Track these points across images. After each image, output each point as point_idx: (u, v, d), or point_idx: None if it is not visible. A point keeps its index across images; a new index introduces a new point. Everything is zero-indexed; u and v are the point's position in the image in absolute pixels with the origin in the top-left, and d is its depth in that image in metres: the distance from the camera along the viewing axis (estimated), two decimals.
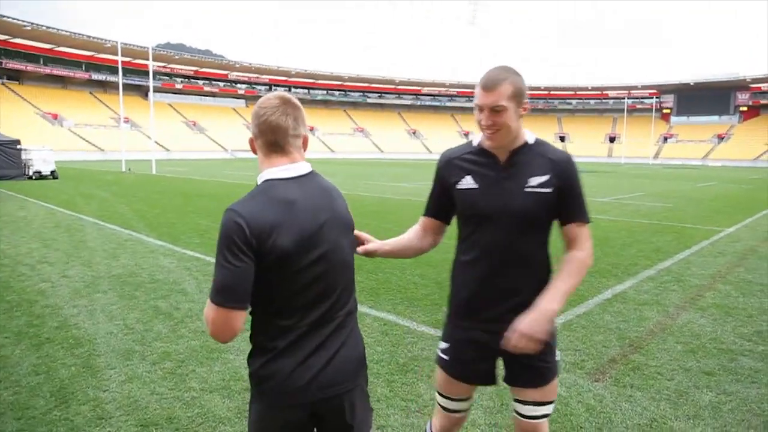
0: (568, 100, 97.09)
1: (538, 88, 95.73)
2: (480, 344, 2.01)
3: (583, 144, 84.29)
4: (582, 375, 3.86)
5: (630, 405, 3.42)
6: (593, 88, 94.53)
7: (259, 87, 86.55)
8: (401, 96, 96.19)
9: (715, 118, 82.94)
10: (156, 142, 48.71)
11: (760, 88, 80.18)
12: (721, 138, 78.47)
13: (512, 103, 1.85)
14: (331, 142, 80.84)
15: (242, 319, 1.50)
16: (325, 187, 1.67)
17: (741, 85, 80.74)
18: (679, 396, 3.59)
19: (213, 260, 6.73)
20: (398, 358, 4.15)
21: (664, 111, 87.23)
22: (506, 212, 1.91)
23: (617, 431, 3.13)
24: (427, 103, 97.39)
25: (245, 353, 4.11)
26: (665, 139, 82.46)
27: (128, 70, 67.35)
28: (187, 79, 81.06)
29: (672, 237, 9.97)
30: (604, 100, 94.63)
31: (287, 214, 1.52)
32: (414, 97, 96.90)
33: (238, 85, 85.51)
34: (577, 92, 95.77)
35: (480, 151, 1.99)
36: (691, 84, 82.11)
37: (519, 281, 1.96)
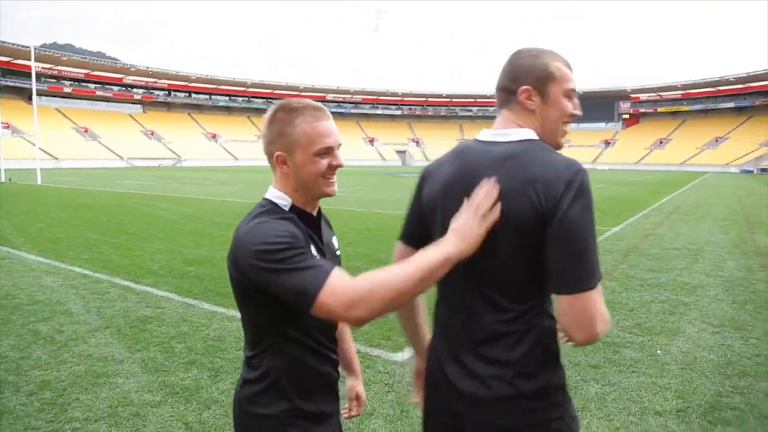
0: (468, 108, 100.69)
1: (440, 95, 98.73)
2: None
3: None
4: None
5: None
6: (492, 96, 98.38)
7: (157, 92, 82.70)
8: None
9: (602, 124, 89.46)
10: (41, 150, 45.20)
11: (638, 98, 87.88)
12: (607, 143, 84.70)
13: None
14: (234, 149, 78.62)
15: None
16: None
17: (623, 95, 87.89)
18: (568, 390, 3.77)
19: (101, 277, 6.14)
20: None
21: None
22: None
23: None
24: (333, 109, 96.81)
25: (135, 376, 3.87)
26: None
27: (8, 71, 62.11)
28: (77, 83, 75.68)
29: None
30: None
31: None
32: (320, 103, 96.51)
33: (135, 90, 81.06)
34: (477, 100, 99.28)
35: None
36: (581, 93, 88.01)
37: None
